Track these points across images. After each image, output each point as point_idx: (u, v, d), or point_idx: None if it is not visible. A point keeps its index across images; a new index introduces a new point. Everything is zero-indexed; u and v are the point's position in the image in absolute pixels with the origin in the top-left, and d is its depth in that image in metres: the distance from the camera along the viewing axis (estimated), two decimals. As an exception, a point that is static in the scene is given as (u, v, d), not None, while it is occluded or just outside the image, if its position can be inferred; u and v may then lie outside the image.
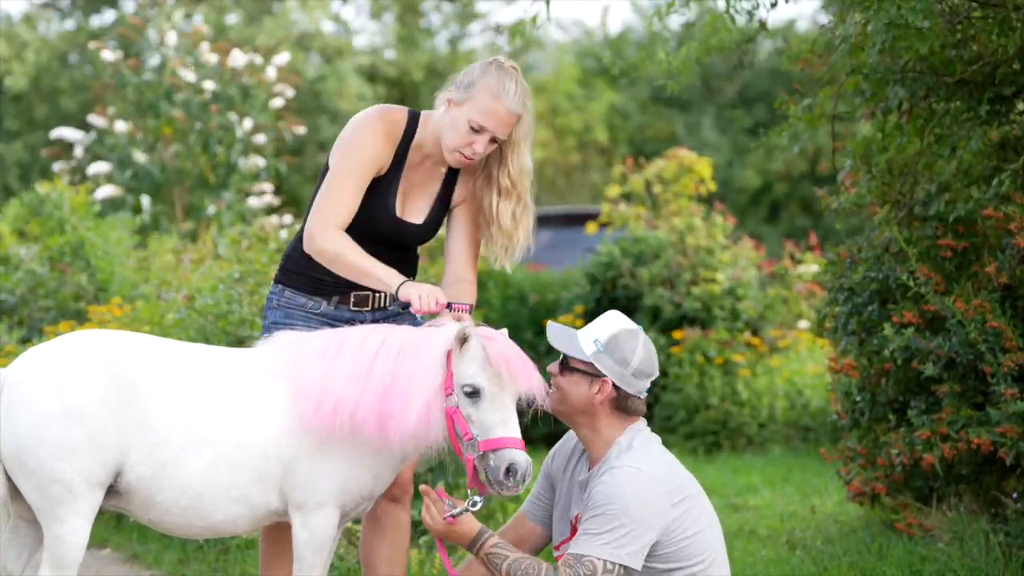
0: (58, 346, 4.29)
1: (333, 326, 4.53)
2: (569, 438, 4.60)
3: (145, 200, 13.76)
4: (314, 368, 4.26)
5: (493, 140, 4.45)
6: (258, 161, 14.07)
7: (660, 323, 10.56)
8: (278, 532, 4.69)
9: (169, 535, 4.55)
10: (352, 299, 4.59)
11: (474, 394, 4.21)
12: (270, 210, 14.86)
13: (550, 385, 4.40)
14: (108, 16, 25.25)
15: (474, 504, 4.25)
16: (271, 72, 14.42)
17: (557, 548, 4.52)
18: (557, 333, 4.42)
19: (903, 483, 6.47)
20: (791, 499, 8.26)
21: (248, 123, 14.06)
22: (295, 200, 20.68)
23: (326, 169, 4.55)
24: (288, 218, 13.78)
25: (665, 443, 4.47)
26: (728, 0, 6.39)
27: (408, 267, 4.66)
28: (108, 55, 14.28)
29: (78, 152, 14.23)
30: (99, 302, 9.44)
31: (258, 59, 14.49)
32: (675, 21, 6.57)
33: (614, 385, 4.33)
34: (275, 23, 24.27)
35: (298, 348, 4.34)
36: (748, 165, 23.99)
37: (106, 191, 13.24)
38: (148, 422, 4.21)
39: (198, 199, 14.11)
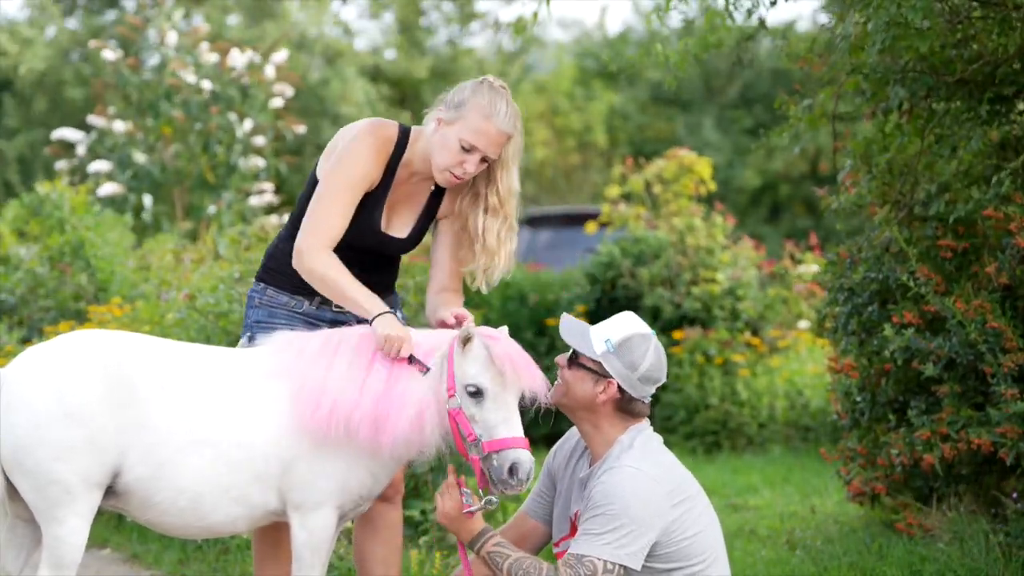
0: (56, 346, 4.29)
1: (316, 326, 4.54)
2: (571, 435, 4.61)
3: (146, 200, 13.76)
4: (312, 369, 4.27)
5: (483, 160, 4.44)
6: (258, 161, 14.06)
7: (660, 323, 10.56)
8: (271, 532, 4.69)
9: (167, 535, 4.54)
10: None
11: (477, 394, 4.22)
12: (270, 210, 14.87)
13: (555, 376, 4.41)
14: (110, 16, 25.26)
15: (489, 503, 4.26)
16: (270, 71, 14.41)
17: (557, 545, 4.52)
18: (570, 327, 4.42)
19: (903, 483, 6.46)
20: (791, 499, 8.26)
21: (248, 123, 14.06)
22: (295, 200, 20.68)
23: (314, 176, 4.55)
24: (288, 218, 13.76)
25: (665, 443, 4.47)
26: (727, -1, 6.40)
27: (391, 271, 4.68)
28: (108, 55, 14.27)
29: (80, 151, 14.23)
30: (99, 302, 9.44)
31: (257, 58, 14.48)
32: (675, 19, 6.56)
33: (619, 387, 4.33)
34: (276, 26, 24.27)
35: (297, 349, 4.34)
36: (748, 165, 24.00)
37: (107, 189, 13.24)
38: (146, 422, 4.21)
39: (198, 199, 14.11)
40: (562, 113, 26.94)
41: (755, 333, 10.91)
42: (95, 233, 10.11)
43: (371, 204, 4.51)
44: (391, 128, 4.53)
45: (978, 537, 5.92)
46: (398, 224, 4.60)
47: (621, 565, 4.18)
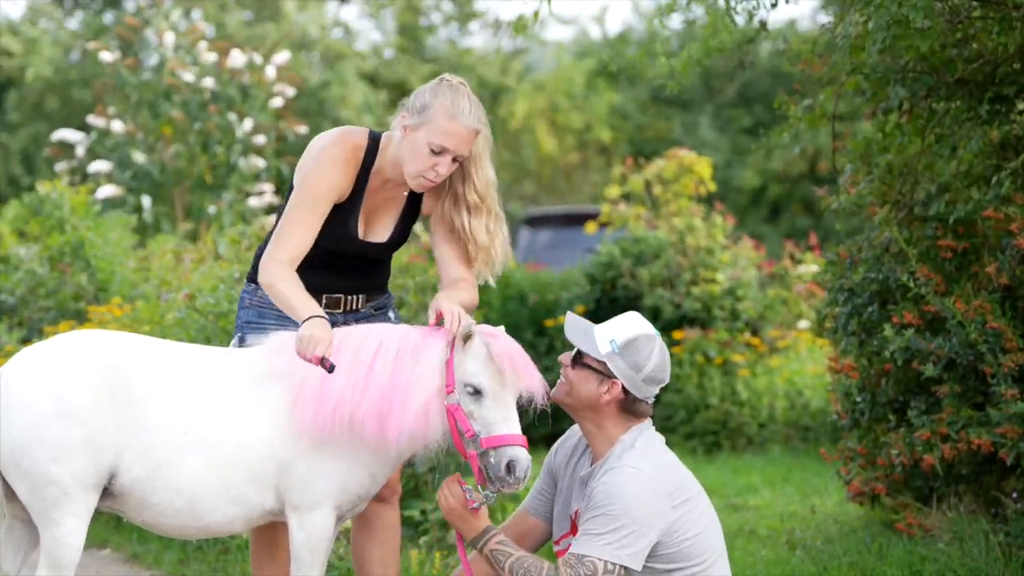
0: (53, 346, 4.28)
1: None
2: (572, 433, 4.61)
3: (145, 200, 13.75)
4: (312, 370, 4.26)
5: (455, 159, 4.43)
6: (258, 162, 14.06)
7: (660, 323, 10.55)
8: (268, 532, 4.70)
9: (165, 536, 4.54)
10: (323, 301, 4.58)
11: (477, 392, 4.22)
12: (270, 210, 14.85)
13: (559, 374, 4.42)
14: (110, 17, 25.26)
15: (488, 498, 4.27)
16: (270, 71, 14.41)
17: (557, 543, 4.52)
18: (574, 326, 4.42)
19: (903, 483, 6.47)
20: (791, 499, 8.26)
21: (248, 123, 14.05)
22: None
23: (291, 188, 4.56)
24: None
25: (665, 443, 4.47)
26: (728, 0, 6.39)
27: (377, 273, 4.68)
28: (107, 55, 14.27)
29: (80, 152, 14.22)
30: (99, 302, 9.44)
31: (257, 58, 14.48)
32: (676, 20, 6.54)
33: (623, 388, 4.33)
34: (278, 27, 24.28)
35: (295, 349, 4.34)
36: (748, 165, 23.99)
37: (107, 190, 13.24)
38: (144, 423, 4.20)
39: (198, 199, 14.11)
40: (563, 112, 26.94)
41: (755, 333, 10.91)
42: (95, 233, 10.11)
43: (345, 212, 4.51)
44: (360, 136, 4.53)
45: (978, 537, 5.93)
46: (378, 229, 4.60)
47: (622, 566, 4.18)
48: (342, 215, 4.51)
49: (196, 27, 14.93)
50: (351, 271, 4.57)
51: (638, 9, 26.89)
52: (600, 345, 4.35)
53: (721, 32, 6.55)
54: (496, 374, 4.23)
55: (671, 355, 10.40)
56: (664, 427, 10.36)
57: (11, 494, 4.27)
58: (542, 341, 10.89)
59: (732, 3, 6.37)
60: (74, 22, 25.84)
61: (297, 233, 4.43)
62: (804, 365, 10.99)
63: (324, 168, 4.44)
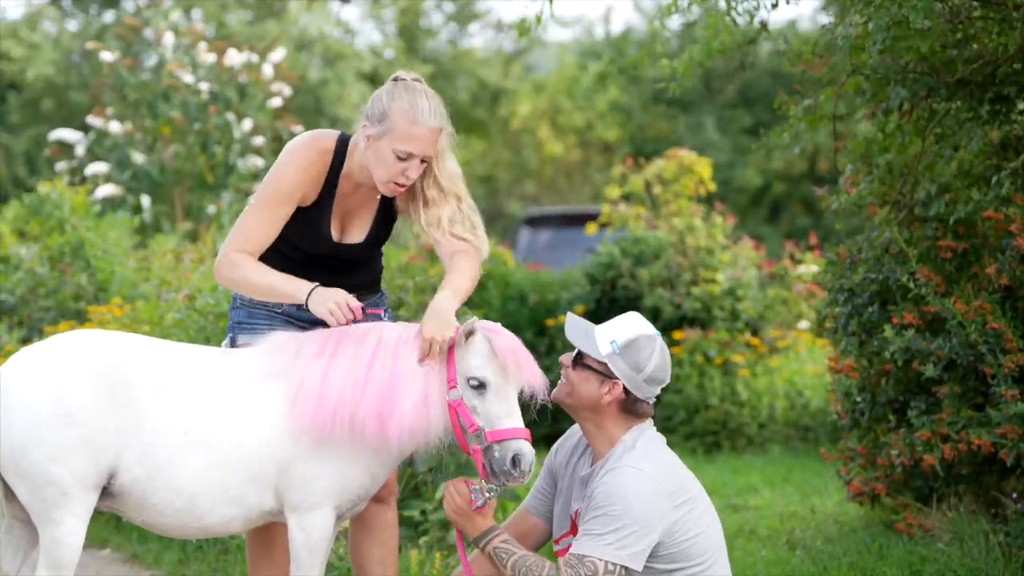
0: (52, 346, 4.28)
1: (295, 325, 4.55)
2: (573, 432, 4.61)
3: (145, 200, 13.75)
4: (312, 370, 4.27)
5: (423, 160, 4.42)
6: (257, 161, 14.06)
7: (660, 324, 10.55)
8: (265, 532, 4.70)
9: (164, 536, 4.55)
10: None
11: (480, 386, 4.23)
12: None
13: (560, 375, 4.42)
14: (109, 16, 25.26)
15: (492, 491, 4.27)
16: (267, 70, 14.40)
17: (557, 542, 4.52)
18: (575, 327, 4.43)
19: (903, 483, 6.47)
20: (791, 499, 8.26)
21: (247, 123, 14.05)
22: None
23: None
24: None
25: (666, 444, 4.47)
26: (729, 1, 6.39)
27: (362, 272, 4.66)
28: (106, 55, 14.27)
29: (79, 152, 14.22)
30: (99, 302, 9.44)
31: (255, 57, 14.47)
32: (676, 21, 6.54)
33: (624, 388, 4.33)
34: (279, 25, 24.28)
35: (294, 349, 4.35)
36: (749, 165, 23.99)
37: (106, 190, 13.24)
38: (143, 423, 4.20)
39: (198, 199, 14.11)
40: (564, 111, 26.94)
41: (755, 333, 10.91)
42: (95, 233, 10.11)
43: (316, 216, 4.51)
44: (328, 140, 4.52)
45: (978, 537, 5.93)
46: (355, 231, 4.60)
47: (623, 566, 4.18)
48: (314, 219, 4.51)
49: (195, 27, 14.92)
50: (335, 272, 4.56)
51: (640, 8, 26.89)
52: (601, 346, 4.35)
53: (722, 33, 6.55)
54: (499, 368, 4.24)
55: (671, 355, 10.38)
56: (664, 427, 10.36)
57: (11, 494, 4.27)
58: (542, 341, 10.89)
59: (732, 4, 6.37)
60: (74, 23, 25.83)
61: (254, 227, 4.43)
62: (804, 365, 11.00)
63: (288, 170, 4.45)
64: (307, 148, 4.48)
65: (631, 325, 4.40)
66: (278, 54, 14.78)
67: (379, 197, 4.57)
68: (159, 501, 4.24)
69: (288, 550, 4.46)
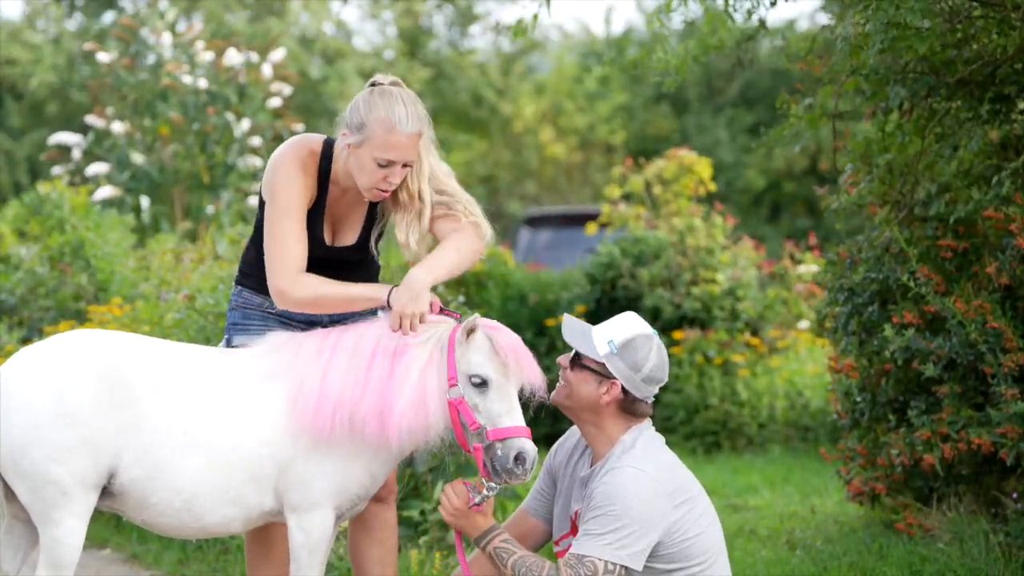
0: (52, 346, 4.28)
1: (289, 325, 4.55)
2: (572, 433, 4.61)
3: (144, 200, 13.75)
4: (311, 370, 4.27)
5: (405, 165, 4.41)
6: (256, 161, 14.06)
7: (660, 324, 10.56)
8: (263, 533, 4.70)
9: (164, 536, 4.55)
10: None
11: (482, 384, 4.23)
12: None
13: (558, 376, 4.42)
14: (110, 17, 25.27)
15: (491, 489, 4.27)
16: (267, 69, 14.40)
17: (557, 543, 4.52)
18: (572, 328, 4.43)
19: (903, 483, 6.47)
20: (791, 499, 8.26)
21: (246, 123, 14.05)
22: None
23: (262, 204, 4.55)
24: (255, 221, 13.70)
25: (665, 444, 4.47)
26: (727, -1, 6.39)
27: (357, 273, 4.65)
28: (104, 56, 14.26)
29: (76, 155, 14.22)
30: (99, 302, 9.44)
31: (254, 57, 14.47)
32: (677, 20, 6.52)
33: (622, 388, 4.33)
34: (280, 24, 24.28)
35: (293, 350, 4.35)
36: (751, 165, 23.98)
37: (105, 191, 13.24)
38: (142, 423, 4.20)
39: (197, 199, 14.11)
40: (566, 113, 26.93)
41: (755, 333, 10.91)
42: (95, 233, 10.11)
43: (309, 220, 4.49)
44: (314, 144, 4.52)
45: (978, 537, 5.93)
46: (346, 233, 4.60)
47: (622, 566, 4.18)
48: (308, 223, 4.49)
49: (193, 27, 14.91)
50: (330, 274, 4.56)
51: (642, 8, 26.87)
52: (598, 346, 4.35)
53: (720, 30, 6.55)
54: (501, 366, 4.24)
55: (671, 355, 10.45)
56: (664, 427, 10.36)
57: (11, 494, 4.27)
58: (542, 341, 10.89)
59: (731, 1, 6.37)
60: (73, 24, 25.82)
61: (289, 246, 4.39)
62: (804, 365, 11.00)
63: (288, 176, 4.43)
64: (297, 151, 4.48)
65: (628, 325, 4.40)
66: (278, 54, 14.78)
67: (367, 200, 4.58)
68: (159, 501, 4.24)
69: (287, 550, 4.47)
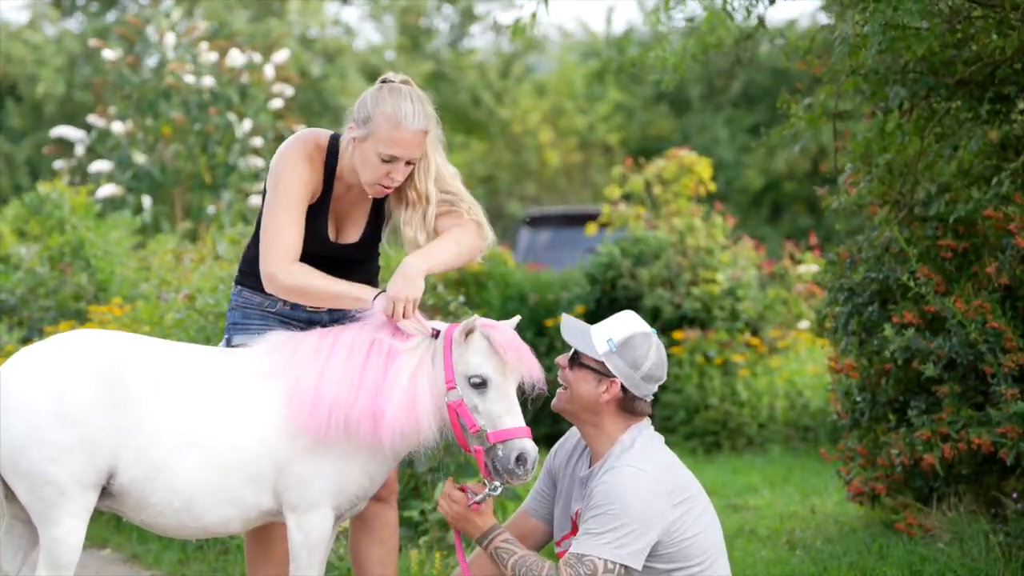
0: (50, 346, 4.28)
1: (289, 324, 4.55)
2: (572, 435, 4.61)
3: (145, 200, 13.76)
4: (307, 370, 4.26)
5: (408, 163, 4.42)
6: (257, 162, 14.07)
7: (660, 324, 10.56)
8: (263, 532, 4.70)
9: (164, 536, 4.55)
10: None
11: (481, 384, 4.23)
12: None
13: (558, 378, 4.42)
14: (112, 17, 25.27)
15: (495, 489, 4.27)
16: (269, 71, 14.40)
17: (558, 544, 4.53)
18: (571, 327, 4.43)
19: (903, 483, 6.46)
20: (791, 499, 8.26)
21: (247, 123, 14.05)
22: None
23: (265, 194, 4.56)
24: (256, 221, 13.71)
25: (665, 443, 4.47)
26: (725, -3, 6.39)
27: (359, 271, 4.66)
28: (108, 54, 14.27)
29: (79, 151, 14.23)
30: (99, 302, 9.44)
31: (257, 57, 14.47)
32: (677, 19, 6.52)
33: (622, 386, 4.33)
34: (280, 24, 24.27)
35: (290, 350, 4.34)
36: (750, 165, 23.98)
37: (106, 190, 13.24)
38: (140, 424, 4.20)
39: (198, 199, 14.11)
40: (566, 114, 26.93)
41: (755, 333, 10.91)
42: (95, 233, 10.11)
43: (314, 215, 4.50)
44: (322, 137, 4.53)
45: (978, 537, 5.92)
46: (350, 230, 4.61)
47: (622, 565, 4.18)
48: (312, 218, 4.50)
49: (196, 27, 14.92)
50: (332, 271, 4.56)
51: (643, 7, 26.85)
52: (597, 345, 4.35)
53: (719, 28, 6.55)
54: (499, 365, 4.24)
55: (671, 355, 10.45)
56: (664, 427, 10.36)
57: (11, 494, 4.27)
58: (542, 341, 10.88)
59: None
60: (74, 23, 25.82)
61: (285, 232, 4.40)
62: (804, 365, 10.99)
63: (292, 169, 4.44)
64: (304, 143, 4.49)
65: (627, 323, 4.40)
66: (281, 55, 14.79)
67: (371, 197, 4.58)
68: (157, 501, 4.24)
69: (287, 550, 4.46)
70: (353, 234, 4.61)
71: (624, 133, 26.28)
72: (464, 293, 10.18)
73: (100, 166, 13.68)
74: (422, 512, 6.40)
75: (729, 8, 6.36)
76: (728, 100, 24.73)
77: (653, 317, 10.57)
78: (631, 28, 26.85)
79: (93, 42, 15.50)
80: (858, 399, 6.64)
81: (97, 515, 4.28)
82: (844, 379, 6.75)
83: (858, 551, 6.21)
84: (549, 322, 11.03)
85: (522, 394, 4.31)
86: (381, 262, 4.84)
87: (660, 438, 4.43)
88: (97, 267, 9.83)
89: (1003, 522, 6.09)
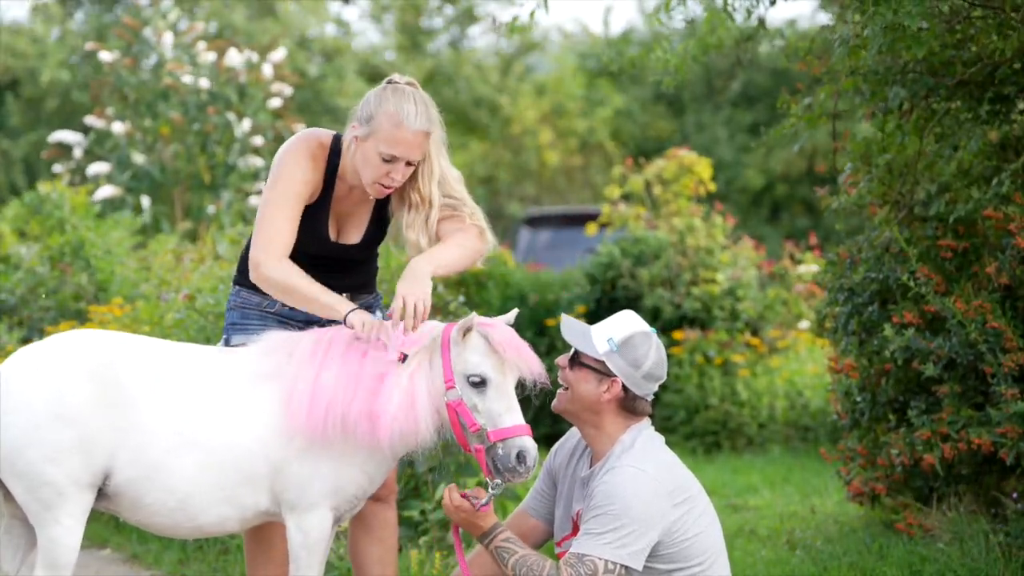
0: (47, 346, 4.28)
1: (288, 325, 4.55)
2: (571, 435, 4.61)
3: (145, 200, 13.76)
4: (305, 370, 4.26)
5: (409, 163, 4.42)
6: (256, 161, 14.07)
7: (660, 324, 10.56)
8: (262, 532, 4.70)
9: (160, 535, 4.55)
10: None
11: (481, 383, 4.23)
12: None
13: (557, 379, 4.42)
14: (112, 16, 25.27)
15: (496, 487, 4.27)
16: (267, 70, 14.40)
17: (559, 544, 4.53)
18: (571, 328, 4.43)
19: (903, 483, 6.47)
20: (791, 499, 8.26)
21: (247, 123, 14.05)
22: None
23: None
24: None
25: (665, 443, 4.47)
26: (726, -2, 6.39)
27: (358, 272, 4.67)
28: (105, 55, 14.27)
29: (77, 154, 14.23)
30: (99, 302, 9.44)
31: (255, 57, 14.47)
32: (678, 19, 6.51)
33: (623, 386, 4.33)
34: (277, 24, 24.27)
35: (288, 350, 4.34)
36: (750, 165, 23.98)
37: (106, 191, 13.24)
38: (136, 424, 4.20)
39: (198, 199, 14.11)
40: (566, 115, 26.93)
41: (755, 333, 10.91)
42: (95, 233, 10.11)
43: (314, 214, 4.51)
44: (325, 136, 4.54)
45: (978, 537, 5.93)
46: (351, 231, 4.61)
47: (622, 565, 4.18)
48: (312, 218, 4.51)
49: (195, 27, 14.92)
50: (332, 271, 4.57)
51: (641, 8, 26.88)
52: (598, 344, 4.36)
53: (719, 29, 6.55)
54: (498, 364, 4.24)
55: (671, 356, 10.45)
56: (664, 427, 10.36)
57: (9, 494, 4.27)
58: (542, 341, 10.88)
59: (730, 0, 6.37)
60: (75, 23, 25.82)
61: (280, 226, 4.41)
62: (804, 365, 11.00)
63: (293, 165, 4.45)
64: (307, 142, 4.50)
65: (627, 323, 4.41)
66: (279, 54, 14.78)
67: (373, 199, 4.58)
68: (153, 501, 4.24)
69: (287, 550, 4.46)
70: (355, 235, 4.61)
71: (623, 136, 26.28)
72: (464, 293, 10.18)
73: (98, 168, 13.68)
74: (422, 512, 6.40)
75: (730, 9, 6.36)
76: (727, 100, 24.74)
77: (653, 317, 10.57)
78: (630, 28, 26.86)
79: (90, 44, 15.50)
80: (858, 399, 6.64)
81: (97, 515, 4.28)
82: (844, 379, 6.75)
83: (858, 551, 6.21)
84: (549, 322, 11.03)
85: (523, 390, 4.31)
86: (381, 262, 4.84)
87: (660, 438, 4.43)
88: (97, 267, 9.83)
89: (1003, 522, 6.09)
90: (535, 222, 16.35)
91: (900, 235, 6.30)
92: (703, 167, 11.55)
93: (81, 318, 9.13)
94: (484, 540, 4.33)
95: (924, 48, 5.68)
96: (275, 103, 14.35)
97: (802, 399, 10.75)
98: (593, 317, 10.38)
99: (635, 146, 24.91)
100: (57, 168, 14.33)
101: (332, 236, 4.57)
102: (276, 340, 4.40)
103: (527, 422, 4.29)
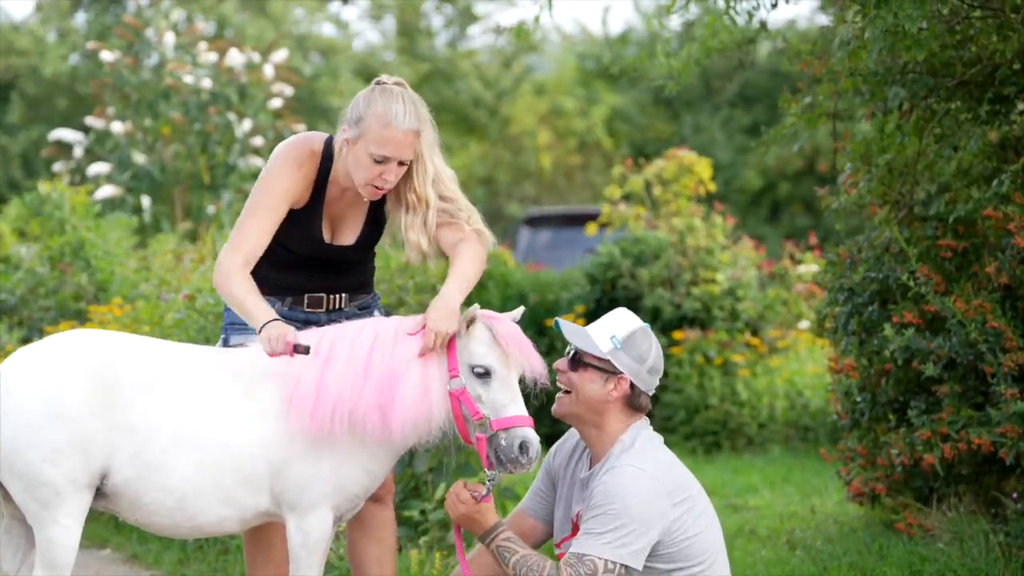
0: (45, 347, 4.28)
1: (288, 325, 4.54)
2: (571, 435, 4.61)
3: (145, 200, 13.76)
4: (308, 369, 4.26)
5: (401, 163, 4.43)
6: (257, 161, 14.07)
7: (660, 323, 10.56)
8: (262, 532, 4.69)
9: (159, 535, 4.55)
10: (306, 300, 4.61)
11: (485, 374, 4.24)
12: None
13: (558, 382, 4.42)
14: (114, 16, 25.27)
15: (495, 477, 4.27)
16: (268, 70, 14.41)
17: (559, 545, 4.53)
18: (571, 330, 4.43)
19: (903, 483, 6.47)
20: (791, 499, 8.26)
21: (247, 123, 14.05)
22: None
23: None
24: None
25: (665, 443, 4.47)
26: (728, 1, 6.39)
27: (353, 273, 4.67)
28: (107, 55, 14.27)
29: (77, 152, 14.23)
30: (99, 302, 9.44)
31: (256, 57, 14.47)
32: (676, 21, 6.53)
33: (630, 382, 4.34)
34: (274, 24, 24.27)
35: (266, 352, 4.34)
36: (749, 165, 23.98)
37: (106, 191, 13.24)
38: (134, 424, 4.20)
39: (198, 199, 14.11)
40: (565, 115, 26.93)
41: (755, 333, 10.91)
42: (95, 233, 10.11)
43: (306, 217, 4.52)
44: (316, 143, 4.55)
45: (978, 537, 5.93)
46: (346, 232, 4.61)
47: (622, 565, 4.18)
48: (305, 221, 4.52)
49: (195, 27, 14.92)
50: (328, 272, 4.58)
51: (639, 8, 26.87)
52: (601, 343, 4.36)
53: (720, 32, 6.55)
54: (503, 356, 4.25)
55: (671, 356, 10.47)
56: (664, 427, 10.36)
57: (8, 494, 4.27)
58: (542, 341, 10.86)
59: (732, 3, 6.37)
60: (76, 22, 25.82)
61: (252, 233, 4.44)
62: (804, 365, 11.00)
63: (280, 172, 4.47)
64: (296, 149, 4.51)
65: (625, 320, 4.42)
66: (280, 54, 14.79)
67: (367, 200, 4.59)
68: (151, 501, 4.24)
69: (287, 550, 4.46)
70: (349, 236, 4.61)
71: (622, 136, 26.28)
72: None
73: (99, 168, 13.68)
74: (422, 512, 6.40)
75: (731, 12, 6.36)
76: (725, 100, 24.73)
77: (653, 317, 10.58)
78: (629, 28, 26.87)
79: (91, 44, 15.50)
80: (858, 399, 6.64)
81: (97, 515, 4.28)
82: (844, 379, 6.76)
83: (858, 551, 6.21)
84: (549, 322, 11.03)
85: (524, 388, 4.31)
86: (380, 262, 4.84)
87: (660, 438, 4.43)
88: (97, 267, 9.83)
89: (1003, 522, 6.09)
90: (535, 222, 16.35)
91: (900, 235, 6.30)
92: (703, 167, 11.55)
93: (81, 318, 9.13)
94: (485, 539, 4.33)
95: (924, 50, 5.68)
96: (276, 103, 14.35)
97: (802, 399, 10.75)
98: (593, 317, 10.36)
99: (633, 147, 24.91)
100: (57, 167, 14.33)
101: (326, 238, 4.57)
102: None
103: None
